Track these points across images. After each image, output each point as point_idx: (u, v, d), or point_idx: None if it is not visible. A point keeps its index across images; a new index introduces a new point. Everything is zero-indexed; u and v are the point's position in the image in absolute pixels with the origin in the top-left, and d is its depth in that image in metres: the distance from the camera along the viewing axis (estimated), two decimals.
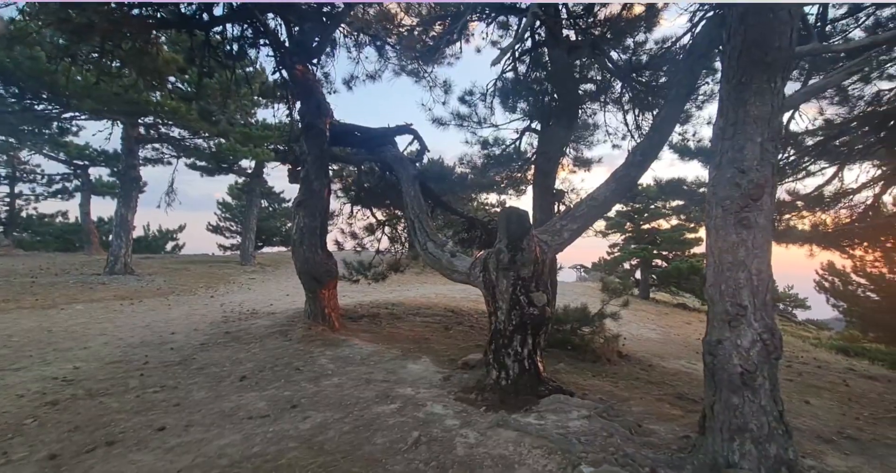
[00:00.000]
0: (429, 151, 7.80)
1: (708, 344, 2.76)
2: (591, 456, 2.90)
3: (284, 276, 16.83)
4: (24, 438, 3.28)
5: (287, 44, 6.45)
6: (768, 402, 2.53)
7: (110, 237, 13.47)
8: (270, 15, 6.82)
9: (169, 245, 27.28)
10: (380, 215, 8.37)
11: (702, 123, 7.59)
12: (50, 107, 11.13)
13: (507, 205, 10.69)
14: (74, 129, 16.38)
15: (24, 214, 21.34)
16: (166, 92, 10.56)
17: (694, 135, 7.62)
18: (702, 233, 18.32)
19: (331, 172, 8.59)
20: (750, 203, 2.60)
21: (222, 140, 13.30)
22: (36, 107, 10.73)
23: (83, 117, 13.18)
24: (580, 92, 6.94)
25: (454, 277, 5.29)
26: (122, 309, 8.85)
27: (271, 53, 6.71)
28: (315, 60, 6.98)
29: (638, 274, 20.43)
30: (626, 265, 20.66)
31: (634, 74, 6.92)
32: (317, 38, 7.00)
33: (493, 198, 9.93)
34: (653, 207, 19.32)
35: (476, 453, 3.10)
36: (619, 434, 3.18)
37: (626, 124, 7.42)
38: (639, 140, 7.53)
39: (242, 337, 6.52)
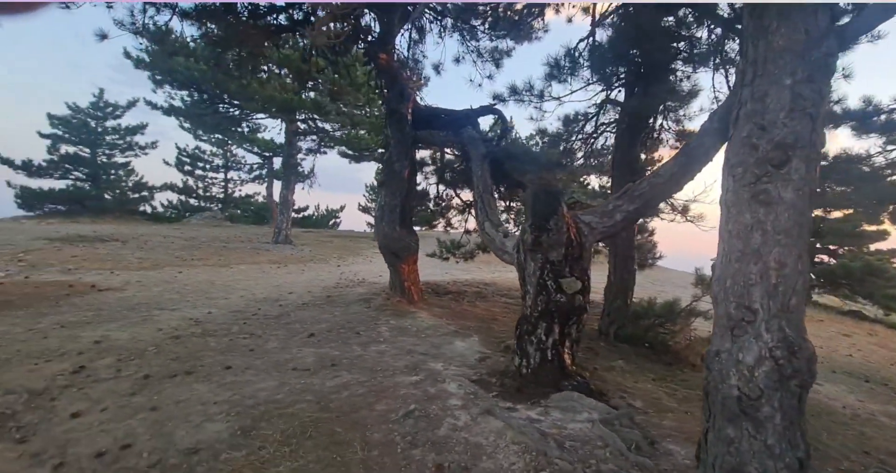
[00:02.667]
0: (512, 130, 7.39)
1: (707, 356, 2.11)
2: (560, 464, 2.51)
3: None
4: (140, 360, 4.17)
5: (373, 36, 6.68)
6: (779, 442, 1.84)
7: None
8: (366, 10, 7.13)
9: (333, 222, 31.40)
10: (467, 196, 8.29)
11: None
12: (233, 109, 13.72)
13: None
14: (263, 126, 19.77)
15: (235, 194, 26.85)
16: (306, 91, 12.07)
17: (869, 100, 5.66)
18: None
19: (421, 154, 8.82)
20: (770, 171, 1.86)
21: (359, 131, 14.65)
22: (226, 110, 13.33)
23: (261, 117, 15.86)
24: (672, 51, 5.70)
25: (504, 258, 4.99)
26: (269, 271, 10.56)
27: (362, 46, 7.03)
28: (395, 49, 7.12)
29: None
30: None
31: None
32: (405, 28, 7.10)
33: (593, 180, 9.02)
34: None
35: (455, 436, 2.94)
36: (615, 447, 2.67)
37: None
38: None
39: (336, 301, 7.21)
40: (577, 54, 6.31)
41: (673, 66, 6.14)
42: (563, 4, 7.32)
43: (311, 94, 15.40)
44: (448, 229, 8.74)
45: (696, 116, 6.73)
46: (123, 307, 6.15)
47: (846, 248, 16.60)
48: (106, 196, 20.12)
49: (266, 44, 6.80)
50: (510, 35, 7.66)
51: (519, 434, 2.83)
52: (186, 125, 17.24)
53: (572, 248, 3.87)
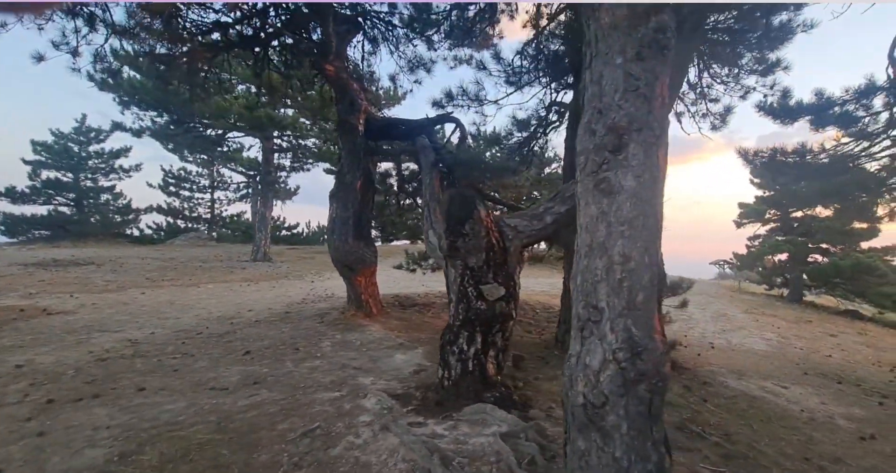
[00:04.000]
0: (468, 138, 7.33)
1: (565, 360, 1.95)
2: None
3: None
4: (52, 385, 4.00)
5: (318, 47, 6.66)
6: (627, 454, 1.66)
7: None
8: (314, 24, 7.14)
9: (323, 238, 31.29)
10: None
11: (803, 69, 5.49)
12: (203, 129, 13.76)
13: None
14: (246, 145, 19.83)
15: (223, 214, 26.85)
16: (275, 107, 12.11)
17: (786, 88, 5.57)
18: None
19: (386, 166, 8.75)
20: (608, 158, 1.74)
21: (335, 146, 14.66)
22: (196, 129, 13.39)
23: (237, 135, 15.92)
24: None
25: (442, 265, 4.84)
26: (237, 289, 10.41)
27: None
28: (347, 60, 7.10)
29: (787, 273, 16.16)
30: (773, 261, 16.48)
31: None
32: (355, 39, 7.11)
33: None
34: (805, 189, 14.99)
35: (347, 456, 2.76)
36: (506, 462, 2.48)
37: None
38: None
39: (292, 317, 7.03)
40: (522, 58, 6.26)
41: None
42: (516, 10, 7.32)
43: (289, 110, 15.51)
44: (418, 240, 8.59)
45: None
46: (65, 330, 5.99)
47: (838, 247, 16.42)
48: (90, 220, 20.10)
49: (215, 60, 6.78)
50: (465, 43, 7.64)
51: (409, 451, 2.64)
52: (170, 147, 17.30)
53: (494, 253, 3.73)
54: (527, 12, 7.27)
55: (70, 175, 20.08)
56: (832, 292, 16.38)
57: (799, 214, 15.91)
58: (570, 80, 6.14)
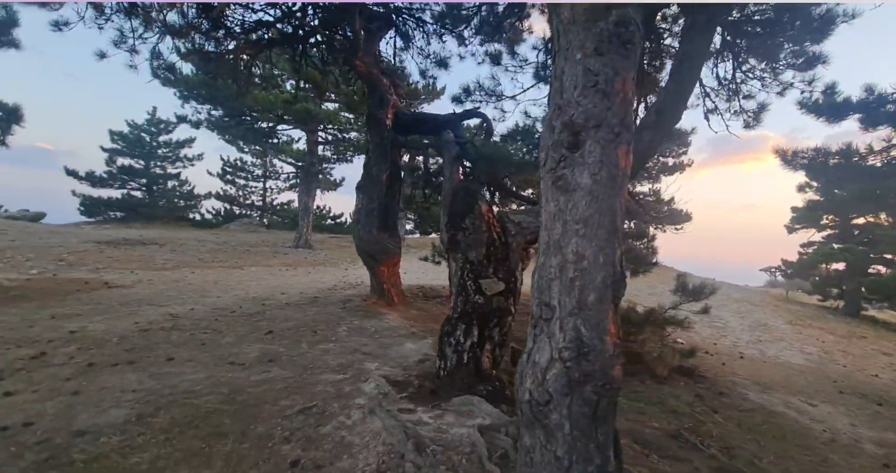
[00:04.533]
0: (494, 132, 7.30)
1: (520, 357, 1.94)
2: (407, 467, 2.39)
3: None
4: (97, 350, 4.43)
5: (346, 44, 6.81)
6: (569, 454, 1.64)
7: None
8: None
9: None
10: None
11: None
12: (253, 122, 14.50)
13: None
14: (292, 138, 20.68)
15: (275, 202, 28.22)
16: (319, 102, 12.53)
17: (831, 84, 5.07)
18: None
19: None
20: (566, 155, 1.70)
21: None
22: (247, 122, 14.14)
23: (285, 128, 16.65)
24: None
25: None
26: (277, 273, 10.96)
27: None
28: (379, 56, 7.22)
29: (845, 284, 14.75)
30: (828, 270, 15.11)
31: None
32: (388, 36, 7.23)
33: None
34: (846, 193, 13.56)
35: (335, 434, 2.89)
36: (478, 454, 2.51)
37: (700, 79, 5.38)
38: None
39: (319, 302, 7.33)
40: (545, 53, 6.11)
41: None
42: (545, 5, 7.13)
43: (332, 105, 15.99)
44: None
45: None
46: (120, 302, 6.58)
47: None
48: (158, 204, 21.79)
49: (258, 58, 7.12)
50: (495, 38, 7.56)
51: (390, 435, 2.72)
52: (227, 138, 18.39)
53: (495, 248, 3.72)
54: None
55: (142, 162, 21.83)
56: None
57: (861, 220, 14.48)
58: None
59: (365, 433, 2.87)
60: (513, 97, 6.22)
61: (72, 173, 20.29)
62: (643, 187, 20.96)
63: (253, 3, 6.44)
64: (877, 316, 15.42)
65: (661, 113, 3.69)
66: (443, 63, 7.58)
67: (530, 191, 7.87)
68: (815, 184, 13.76)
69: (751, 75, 5.41)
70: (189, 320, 5.74)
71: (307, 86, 13.48)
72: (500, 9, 6.98)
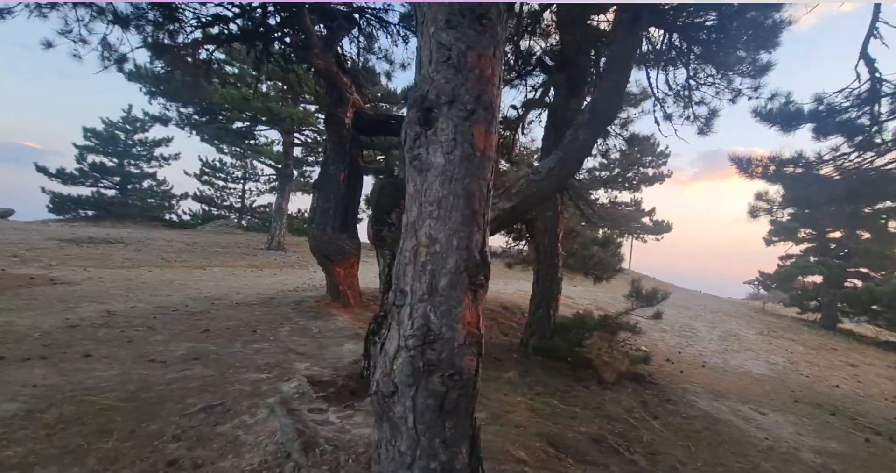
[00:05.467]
0: None
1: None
2: (286, 467, 2.28)
3: None
4: (15, 344, 4.23)
5: (305, 40, 6.76)
6: (412, 449, 1.54)
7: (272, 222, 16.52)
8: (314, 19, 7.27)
9: None
10: None
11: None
12: (226, 121, 14.35)
13: None
14: (270, 139, 20.53)
15: (255, 204, 27.92)
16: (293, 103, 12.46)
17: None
18: None
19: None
20: (419, 132, 1.64)
21: None
22: (219, 121, 13.99)
23: (265, 129, 16.52)
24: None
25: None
26: (239, 274, 10.75)
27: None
28: (342, 54, 7.19)
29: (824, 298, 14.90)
30: (804, 283, 15.27)
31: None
32: (348, 34, 7.20)
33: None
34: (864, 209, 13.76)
35: (230, 433, 2.77)
36: (370, 455, 2.40)
37: (651, 85, 5.41)
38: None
39: (272, 303, 7.17)
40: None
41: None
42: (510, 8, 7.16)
43: (312, 106, 15.91)
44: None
45: (639, 118, 6.32)
46: (59, 299, 6.35)
47: (881, 272, 15.11)
48: (129, 203, 21.42)
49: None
50: None
51: (283, 434, 2.60)
52: (203, 138, 18.19)
53: None
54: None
55: (115, 160, 21.48)
56: (874, 321, 15.07)
57: (837, 234, 14.69)
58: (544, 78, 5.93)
59: (262, 432, 2.74)
60: None
61: (42, 170, 19.90)
62: (624, 197, 21.25)
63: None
64: (854, 330, 15.61)
65: (594, 112, 3.68)
66: (404, 66, 7.57)
67: None
68: (772, 194, 13.96)
69: (703, 82, 5.46)
70: (125, 317, 5.55)
71: (280, 85, 13.41)
72: None
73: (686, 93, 5.51)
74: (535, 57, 5.84)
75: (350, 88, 7.12)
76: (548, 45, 5.79)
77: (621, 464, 2.96)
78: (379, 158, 12.80)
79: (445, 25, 1.58)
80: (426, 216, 1.61)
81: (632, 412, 4.10)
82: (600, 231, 9.12)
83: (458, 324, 1.56)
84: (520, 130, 6.60)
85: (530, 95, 6.14)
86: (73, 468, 2.36)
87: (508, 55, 6.00)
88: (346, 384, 3.63)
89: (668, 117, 5.98)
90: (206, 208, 25.63)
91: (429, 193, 1.61)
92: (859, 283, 14.69)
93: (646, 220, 21.20)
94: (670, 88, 5.37)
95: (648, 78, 5.38)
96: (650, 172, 17.97)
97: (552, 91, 5.91)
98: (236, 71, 13.88)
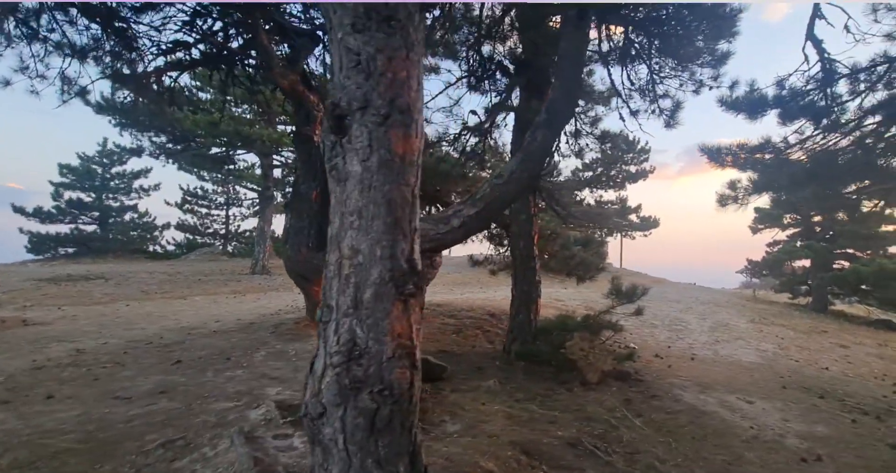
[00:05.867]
0: (432, 145, 7.30)
1: None
2: None
3: None
4: None
5: (265, 60, 6.75)
6: (343, 469, 1.47)
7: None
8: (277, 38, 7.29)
9: None
10: None
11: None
12: (201, 147, 14.31)
13: None
14: (249, 163, 20.46)
15: (240, 230, 27.69)
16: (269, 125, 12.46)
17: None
18: None
19: None
20: (335, 141, 1.61)
21: None
22: (193, 148, 13.93)
23: (243, 153, 16.48)
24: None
25: None
26: (220, 301, 10.58)
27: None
28: (307, 72, 7.20)
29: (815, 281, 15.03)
30: (792, 267, 15.41)
31: None
32: (310, 53, 7.22)
33: None
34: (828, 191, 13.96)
35: (188, 468, 2.68)
36: None
37: (613, 82, 5.48)
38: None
39: (251, 328, 7.05)
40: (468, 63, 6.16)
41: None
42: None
43: (289, 127, 15.90)
44: None
45: (607, 115, 6.39)
46: (28, 340, 6.19)
47: (866, 252, 15.31)
48: (110, 237, 21.14)
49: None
50: (427, 52, 7.63)
51: (239, 465, 2.51)
52: (178, 166, 18.08)
53: None
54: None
55: (93, 195, 21.26)
56: (865, 301, 15.20)
57: (819, 218, 14.89)
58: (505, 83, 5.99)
59: (221, 464, 2.65)
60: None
61: (18, 210, 19.61)
62: (610, 195, 21.41)
63: (165, 24, 6.37)
64: (846, 311, 15.72)
65: (551, 112, 3.69)
66: None
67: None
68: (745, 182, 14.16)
69: (665, 75, 5.53)
70: (94, 354, 5.40)
71: (255, 108, 13.40)
72: (428, 21, 7.08)
73: (650, 87, 5.58)
74: (495, 61, 5.89)
75: (318, 106, 7.12)
76: (506, 48, 5.85)
77: (598, 467, 2.89)
78: None
79: (352, 30, 1.56)
80: (347, 227, 1.57)
81: (614, 411, 4.04)
82: (580, 232, 9.14)
83: (386, 337, 1.51)
84: (488, 136, 6.62)
85: (496, 100, 6.18)
86: None
87: (471, 61, 6.05)
88: None
89: (633, 114, 6.04)
90: (190, 236, 25.39)
91: (348, 203, 1.58)
92: (847, 264, 14.85)
93: (633, 217, 21.42)
94: (633, 84, 5.44)
95: (610, 75, 5.44)
96: (633, 169, 18.18)
97: (518, 94, 5.96)
98: (209, 97, 13.86)
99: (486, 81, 6.00)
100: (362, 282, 1.53)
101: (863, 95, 4.67)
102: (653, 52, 5.51)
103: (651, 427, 3.82)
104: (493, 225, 7.57)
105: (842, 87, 5.01)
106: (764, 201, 16.47)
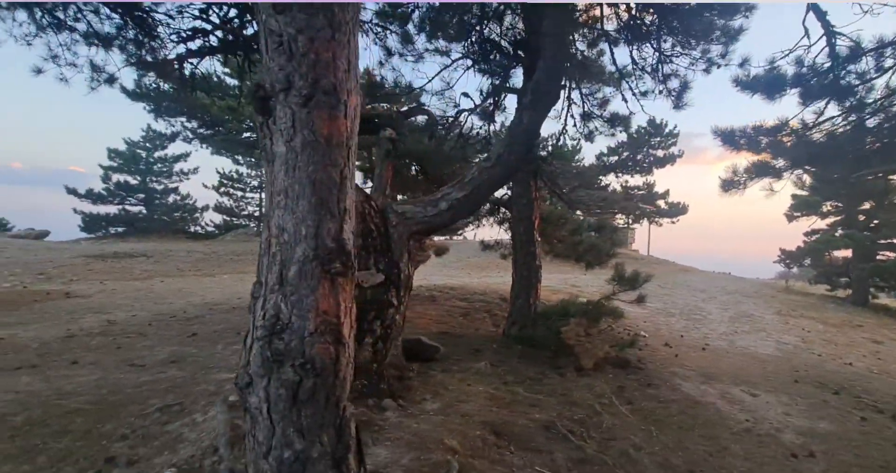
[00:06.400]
0: (439, 126, 7.30)
1: None
2: (206, 461, 2.34)
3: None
4: (12, 355, 4.49)
5: None
6: (267, 440, 1.56)
7: None
8: None
9: None
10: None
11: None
12: (230, 132, 14.83)
13: None
14: None
15: None
16: None
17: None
18: None
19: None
20: (261, 122, 1.65)
21: None
22: (222, 132, 14.45)
23: None
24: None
25: None
26: (246, 279, 11.05)
27: None
28: None
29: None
30: (830, 258, 14.45)
31: None
32: None
33: None
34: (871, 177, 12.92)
35: (176, 431, 2.88)
36: None
37: (616, 63, 5.18)
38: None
39: None
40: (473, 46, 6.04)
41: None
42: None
43: None
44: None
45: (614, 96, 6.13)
46: (68, 311, 6.71)
47: None
48: (155, 218, 22.38)
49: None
50: (439, 36, 7.52)
51: (217, 429, 2.67)
52: (210, 150, 18.81)
53: (372, 239, 3.65)
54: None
55: (139, 178, 22.48)
56: None
57: (867, 206, 13.82)
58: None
59: (205, 429, 2.83)
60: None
61: (72, 192, 21.02)
62: (636, 181, 20.67)
63: (182, 13, 6.54)
64: (890, 305, 14.67)
65: (536, 93, 3.59)
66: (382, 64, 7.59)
67: None
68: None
69: (675, 54, 5.24)
70: (122, 326, 5.81)
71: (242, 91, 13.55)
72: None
73: (658, 66, 5.30)
74: (494, 42, 5.74)
75: None
76: (503, 28, 5.69)
77: (566, 450, 2.89)
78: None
79: (273, 11, 1.57)
80: (275, 206, 1.62)
81: (601, 397, 4.00)
82: (595, 217, 8.90)
83: (310, 313, 1.56)
84: (494, 118, 6.51)
85: (497, 82, 6.04)
86: (24, 465, 2.49)
87: (474, 43, 5.92)
88: None
89: (642, 94, 5.78)
90: (227, 218, 26.48)
91: (276, 182, 1.61)
92: (891, 255, 13.80)
93: (661, 203, 20.60)
94: (635, 64, 5.18)
95: (612, 54, 5.20)
96: (660, 153, 17.39)
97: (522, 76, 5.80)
98: (237, 82, 14.23)
99: (486, 63, 5.87)
100: (287, 260, 1.58)
101: (892, 72, 4.25)
102: (663, 29, 5.21)
103: (638, 415, 3.76)
104: (503, 209, 7.50)
105: (867, 63, 4.58)
106: (788, 187, 15.37)
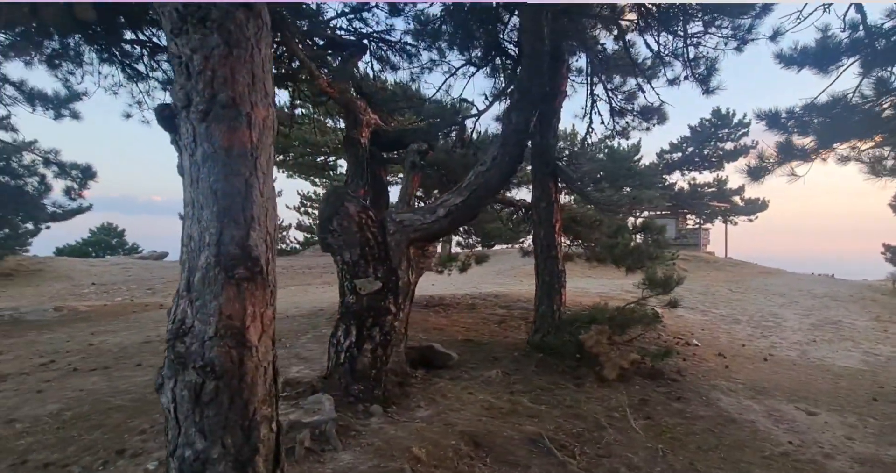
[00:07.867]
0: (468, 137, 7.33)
1: None
2: None
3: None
4: (95, 358, 5.13)
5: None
6: (175, 437, 1.62)
7: None
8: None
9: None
10: None
11: None
12: (296, 155, 16.05)
13: None
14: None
15: None
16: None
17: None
18: None
19: None
20: (172, 139, 1.76)
21: None
22: (295, 158, 15.75)
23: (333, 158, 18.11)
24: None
25: None
26: (310, 290, 11.75)
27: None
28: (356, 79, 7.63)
29: None
30: None
31: None
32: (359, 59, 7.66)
33: None
34: None
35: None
36: None
37: (630, 52, 4.68)
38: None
39: (317, 314, 7.78)
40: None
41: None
42: None
43: None
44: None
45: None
46: (156, 320, 7.59)
47: None
48: None
49: None
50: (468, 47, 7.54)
51: None
52: (290, 174, 20.43)
53: (370, 247, 3.70)
54: None
55: None
56: None
57: None
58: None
59: None
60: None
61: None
62: (705, 178, 18.73)
63: None
64: None
65: (520, 91, 3.43)
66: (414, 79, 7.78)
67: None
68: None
69: (699, 34, 4.73)
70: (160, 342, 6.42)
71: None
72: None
73: (684, 50, 4.82)
74: (493, 45, 5.61)
75: (365, 111, 7.50)
76: (498, 28, 5.54)
77: (546, 466, 2.64)
78: None
79: (172, 34, 1.66)
80: (186, 217, 1.70)
81: (613, 411, 3.62)
82: (642, 219, 8.22)
83: (212, 318, 1.60)
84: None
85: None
86: (55, 454, 2.83)
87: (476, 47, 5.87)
88: (314, 383, 3.79)
89: (675, 81, 5.28)
90: (308, 235, 28.48)
91: (185, 194, 1.70)
92: None
93: (736, 199, 18.40)
94: (655, 53, 4.73)
95: (625, 43, 4.80)
96: (728, 146, 15.63)
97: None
98: (302, 111, 15.43)
99: (488, 67, 5.75)
100: (193, 266, 1.65)
101: None
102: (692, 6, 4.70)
103: (651, 432, 3.35)
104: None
105: None
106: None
